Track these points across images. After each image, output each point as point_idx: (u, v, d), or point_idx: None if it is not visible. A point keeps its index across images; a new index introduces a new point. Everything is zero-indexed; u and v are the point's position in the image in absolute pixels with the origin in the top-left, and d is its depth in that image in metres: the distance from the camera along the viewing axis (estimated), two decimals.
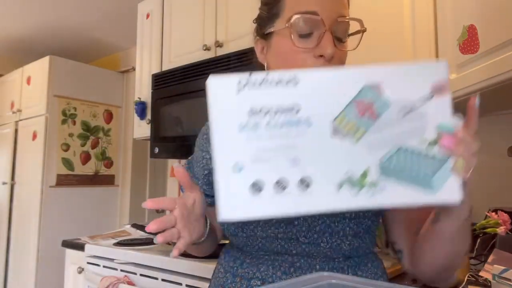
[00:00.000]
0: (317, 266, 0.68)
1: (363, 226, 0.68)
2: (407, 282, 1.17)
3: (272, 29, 0.72)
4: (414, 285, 1.15)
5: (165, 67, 2.11)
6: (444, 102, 0.49)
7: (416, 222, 0.69)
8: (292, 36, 0.68)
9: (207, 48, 1.88)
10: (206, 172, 0.80)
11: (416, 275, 0.73)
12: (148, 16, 2.29)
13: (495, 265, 0.93)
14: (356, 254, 0.71)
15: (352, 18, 0.70)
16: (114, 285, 1.50)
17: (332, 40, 0.67)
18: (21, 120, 3.13)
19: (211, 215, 0.80)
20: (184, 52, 2.03)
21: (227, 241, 0.82)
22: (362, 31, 0.72)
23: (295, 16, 0.67)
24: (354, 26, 0.74)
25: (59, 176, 2.90)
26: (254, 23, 0.78)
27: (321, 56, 0.67)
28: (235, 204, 0.47)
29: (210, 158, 0.79)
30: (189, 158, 0.88)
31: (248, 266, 0.72)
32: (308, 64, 0.68)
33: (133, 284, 1.51)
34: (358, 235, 0.68)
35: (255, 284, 0.69)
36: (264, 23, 0.75)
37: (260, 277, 0.70)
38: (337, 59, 0.69)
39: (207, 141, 0.81)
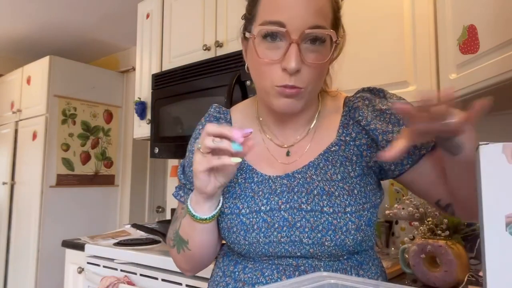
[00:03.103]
0: (322, 269, 0.68)
1: (364, 219, 0.68)
2: (407, 282, 1.17)
3: (247, 35, 0.70)
4: (414, 285, 1.15)
5: (165, 67, 2.11)
6: None
7: (443, 169, 0.66)
8: (256, 47, 0.66)
9: (207, 48, 1.88)
10: None
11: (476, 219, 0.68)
12: (148, 16, 2.28)
13: None
14: (359, 249, 0.70)
15: (322, 30, 0.64)
16: (114, 285, 1.50)
17: (297, 53, 0.62)
18: (21, 120, 3.13)
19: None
20: (184, 52, 2.03)
21: (224, 242, 0.81)
22: (335, 42, 0.67)
23: (259, 27, 0.65)
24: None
25: (59, 176, 2.90)
26: (242, 19, 0.75)
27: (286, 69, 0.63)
28: None
29: None
30: (182, 161, 0.85)
31: (251, 271, 0.70)
32: (274, 77, 0.65)
33: (133, 284, 1.51)
34: (360, 228, 0.67)
35: None
36: (245, 25, 0.73)
37: (264, 282, 0.68)
38: (308, 72, 0.65)
39: None
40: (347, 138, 0.73)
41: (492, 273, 0.35)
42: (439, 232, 1.13)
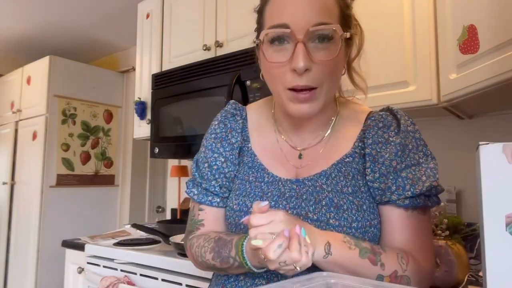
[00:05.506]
0: None
1: (369, 235, 0.67)
2: None
3: (257, 42, 0.71)
4: None
5: (165, 67, 2.11)
6: None
7: None
8: (264, 52, 0.67)
9: (207, 48, 1.88)
10: (221, 176, 0.77)
11: None
12: (148, 16, 2.28)
13: None
14: None
15: (326, 26, 0.64)
16: (114, 285, 1.50)
17: (304, 52, 0.63)
18: (21, 120, 3.13)
19: (220, 217, 0.78)
20: (184, 52, 2.03)
21: None
22: (341, 36, 0.66)
23: (264, 32, 0.66)
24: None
25: (59, 176, 2.90)
26: (255, 31, 0.76)
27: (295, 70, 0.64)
28: None
29: (225, 162, 0.77)
30: (195, 157, 0.83)
31: None
32: (285, 79, 0.66)
33: (133, 284, 1.51)
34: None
35: (260, 283, 0.68)
36: (257, 33, 0.74)
37: (265, 276, 0.68)
38: (319, 71, 0.65)
39: (218, 141, 0.79)
40: (362, 151, 0.73)
41: (492, 273, 0.35)
42: (439, 232, 1.13)
